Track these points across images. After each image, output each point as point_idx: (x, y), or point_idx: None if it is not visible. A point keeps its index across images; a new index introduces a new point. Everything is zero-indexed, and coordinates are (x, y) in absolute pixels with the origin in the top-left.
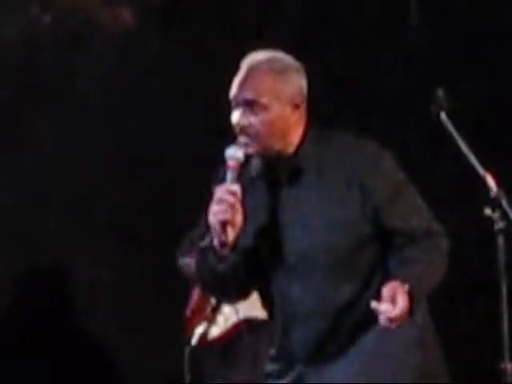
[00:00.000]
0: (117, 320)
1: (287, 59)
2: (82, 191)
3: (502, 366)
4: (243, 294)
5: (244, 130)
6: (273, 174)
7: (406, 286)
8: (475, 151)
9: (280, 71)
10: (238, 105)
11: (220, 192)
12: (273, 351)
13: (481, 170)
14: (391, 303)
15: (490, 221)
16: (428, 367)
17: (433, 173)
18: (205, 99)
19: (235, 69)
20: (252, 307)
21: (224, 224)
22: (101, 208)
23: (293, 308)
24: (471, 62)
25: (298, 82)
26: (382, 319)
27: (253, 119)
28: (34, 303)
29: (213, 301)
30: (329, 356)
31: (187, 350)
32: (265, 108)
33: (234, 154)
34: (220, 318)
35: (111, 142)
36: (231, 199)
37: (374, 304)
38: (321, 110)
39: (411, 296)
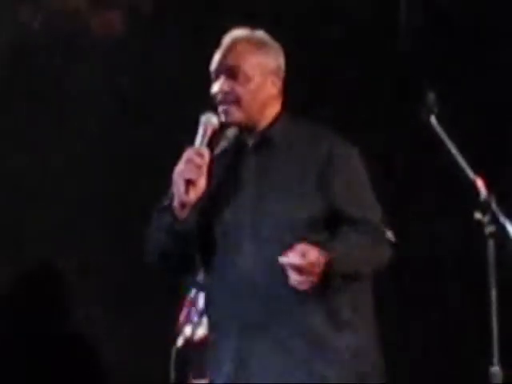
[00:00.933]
0: (110, 322)
1: (268, 37)
2: (81, 191)
3: (492, 368)
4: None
5: (226, 97)
6: (242, 144)
7: (327, 254)
8: (466, 155)
9: (261, 45)
10: (219, 74)
11: (188, 153)
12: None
13: (471, 174)
14: (300, 256)
15: (480, 224)
16: (361, 367)
17: (420, 177)
18: (204, 100)
19: None
20: None
21: (188, 183)
22: (96, 208)
23: (240, 278)
24: (462, 67)
25: (277, 57)
26: (290, 275)
27: (236, 86)
28: (30, 303)
29: (200, 304)
30: (263, 332)
31: (174, 351)
32: (247, 77)
33: (209, 119)
34: (205, 320)
35: (107, 144)
36: (198, 160)
37: (281, 258)
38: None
39: (330, 266)
